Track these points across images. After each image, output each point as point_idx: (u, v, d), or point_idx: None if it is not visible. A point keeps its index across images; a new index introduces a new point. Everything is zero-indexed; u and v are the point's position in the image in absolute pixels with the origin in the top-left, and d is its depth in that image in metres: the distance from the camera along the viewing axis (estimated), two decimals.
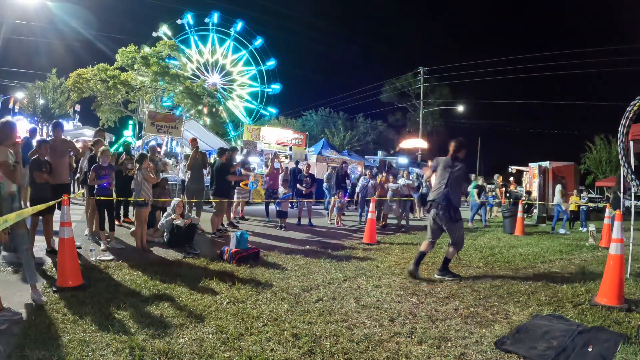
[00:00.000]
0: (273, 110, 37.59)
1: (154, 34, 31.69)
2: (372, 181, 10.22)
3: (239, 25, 35.56)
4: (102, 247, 5.46)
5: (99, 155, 5.59)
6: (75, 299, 3.42)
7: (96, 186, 5.52)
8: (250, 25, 36.50)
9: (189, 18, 34.59)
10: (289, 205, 10.50)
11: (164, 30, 32.53)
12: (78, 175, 7.60)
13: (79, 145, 7.48)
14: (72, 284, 3.73)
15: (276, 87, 37.25)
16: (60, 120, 6.10)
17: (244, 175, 8.93)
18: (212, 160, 9.29)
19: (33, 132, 8.67)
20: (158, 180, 6.47)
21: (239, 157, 9.73)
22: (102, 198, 5.42)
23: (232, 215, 9.03)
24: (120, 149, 10.04)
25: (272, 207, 9.66)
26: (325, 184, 13.77)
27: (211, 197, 7.51)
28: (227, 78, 37.41)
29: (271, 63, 36.72)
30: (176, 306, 3.41)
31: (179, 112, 26.91)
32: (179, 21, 34.18)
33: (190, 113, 27.10)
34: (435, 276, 4.86)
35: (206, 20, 35.27)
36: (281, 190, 9.30)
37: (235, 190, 9.04)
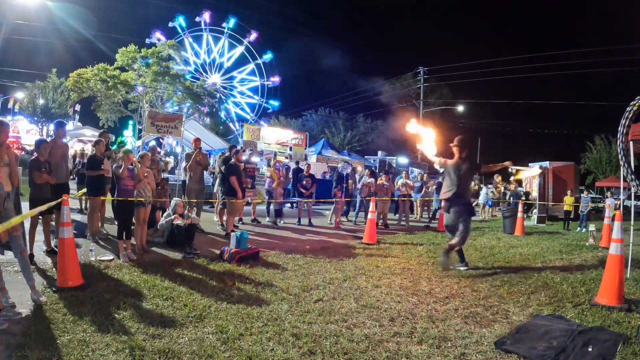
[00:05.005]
0: (275, 103, 37.56)
1: (147, 41, 30.75)
2: (369, 180, 10.20)
3: (232, 22, 35.42)
4: (123, 258, 4.88)
5: (112, 157, 5.57)
6: (75, 299, 3.42)
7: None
8: (248, 24, 36.50)
9: (180, 21, 34.29)
10: (289, 205, 10.39)
11: (158, 36, 31.66)
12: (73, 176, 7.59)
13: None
14: (72, 284, 3.73)
15: (275, 79, 37.15)
16: (63, 121, 6.08)
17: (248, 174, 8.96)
18: (211, 160, 9.28)
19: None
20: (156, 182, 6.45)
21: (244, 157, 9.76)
22: (102, 198, 5.41)
23: (252, 217, 9.11)
24: (114, 147, 10.07)
25: (271, 207, 9.64)
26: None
27: (219, 197, 7.54)
28: (227, 76, 37.31)
29: (268, 56, 36.69)
30: (176, 306, 3.41)
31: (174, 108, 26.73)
32: (170, 24, 33.76)
33: (190, 112, 27.07)
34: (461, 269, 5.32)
35: (197, 19, 35.05)
36: (279, 190, 9.33)
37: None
